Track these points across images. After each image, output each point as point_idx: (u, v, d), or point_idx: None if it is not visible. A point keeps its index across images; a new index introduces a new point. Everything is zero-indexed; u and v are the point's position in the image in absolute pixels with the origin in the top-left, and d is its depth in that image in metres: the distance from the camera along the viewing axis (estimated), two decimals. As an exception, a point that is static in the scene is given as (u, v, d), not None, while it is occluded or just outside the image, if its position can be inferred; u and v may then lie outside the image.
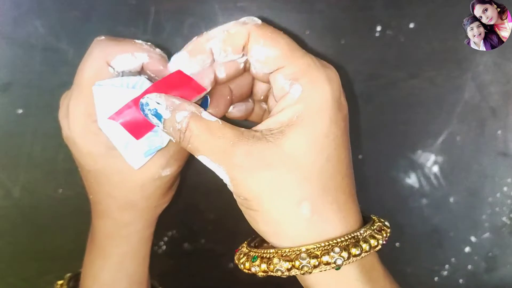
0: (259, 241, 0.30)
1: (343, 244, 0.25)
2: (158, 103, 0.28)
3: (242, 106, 0.33)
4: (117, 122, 0.29)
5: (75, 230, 0.46)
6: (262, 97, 0.33)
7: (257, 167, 0.25)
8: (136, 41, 0.32)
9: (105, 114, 0.29)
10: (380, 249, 0.27)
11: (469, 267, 0.48)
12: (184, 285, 0.49)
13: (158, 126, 0.28)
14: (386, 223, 0.29)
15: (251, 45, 0.27)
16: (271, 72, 0.28)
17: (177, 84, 0.29)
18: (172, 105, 0.27)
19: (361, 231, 0.26)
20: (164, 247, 0.48)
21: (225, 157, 0.26)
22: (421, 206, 0.46)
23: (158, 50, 0.32)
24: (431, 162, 0.45)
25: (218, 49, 0.28)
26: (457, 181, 0.45)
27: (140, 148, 0.30)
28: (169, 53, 0.41)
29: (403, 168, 0.45)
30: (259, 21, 0.27)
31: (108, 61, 0.30)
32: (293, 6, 0.42)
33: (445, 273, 0.48)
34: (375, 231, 0.27)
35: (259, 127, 0.27)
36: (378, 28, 0.42)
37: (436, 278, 0.48)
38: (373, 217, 0.29)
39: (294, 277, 0.27)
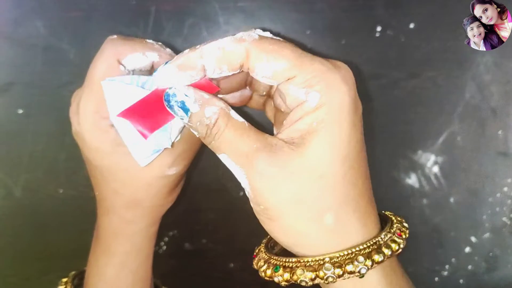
0: (275, 243, 0.30)
1: (366, 252, 0.25)
2: (186, 96, 0.27)
3: (236, 93, 0.32)
4: (126, 120, 0.29)
5: (76, 229, 0.46)
6: (264, 93, 0.32)
7: (280, 176, 0.25)
8: (148, 40, 0.32)
9: (116, 109, 0.30)
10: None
11: (470, 267, 0.48)
12: (184, 285, 0.49)
13: (182, 119, 0.27)
14: (404, 223, 0.28)
15: (254, 64, 0.26)
16: (280, 83, 0.27)
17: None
18: (201, 99, 0.27)
19: (382, 236, 0.26)
20: (165, 247, 0.48)
21: (247, 161, 0.25)
22: (422, 206, 0.46)
23: (168, 50, 0.33)
24: (431, 162, 0.45)
25: (211, 66, 0.26)
26: (458, 181, 0.45)
27: (148, 146, 0.30)
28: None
29: (403, 168, 0.45)
30: (257, 35, 0.26)
31: (120, 60, 0.31)
32: (293, 6, 0.42)
33: (445, 273, 0.48)
34: (395, 234, 0.27)
35: (280, 136, 0.26)
36: (378, 28, 0.42)
37: (436, 278, 0.48)
38: (390, 216, 0.29)
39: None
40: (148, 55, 0.31)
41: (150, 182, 0.34)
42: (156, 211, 0.36)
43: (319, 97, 0.25)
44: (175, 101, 0.27)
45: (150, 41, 0.32)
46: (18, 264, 0.48)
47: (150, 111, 0.29)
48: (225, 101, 0.31)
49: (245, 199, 0.28)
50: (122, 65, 0.31)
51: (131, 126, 0.29)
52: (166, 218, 0.38)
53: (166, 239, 0.47)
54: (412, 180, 0.46)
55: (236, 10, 0.41)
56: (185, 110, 0.27)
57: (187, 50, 0.27)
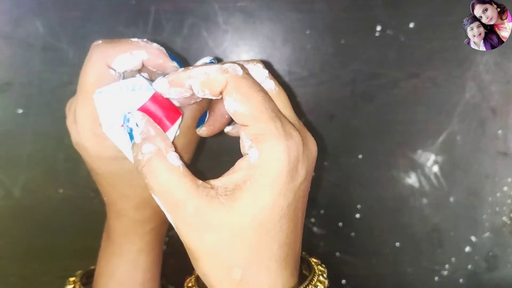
0: None
1: None
2: (136, 125, 0.28)
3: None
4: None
5: (75, 229, 0.46)
6: None
7: (202, 227, 0.26)
8: (132, 39, 0.32)
9: (109, 120, 0.30)
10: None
11: (470, 266, 0.48)
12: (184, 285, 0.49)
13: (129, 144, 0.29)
14: (321, 278, 0.30)
15: (225, 95, 0.27)
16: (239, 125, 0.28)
17: None
18: (146, 133, 0.28)
19: None
20: (165, 247, 0.48)
21: (175, 208, 0.26)
22: (421, 206, 0.46)
23: (155, 44, 0.32)
24: (431, 161, 0.45)
25: (196, 88, 0.28)
26: (457, 181, 0.45)
27: None
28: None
29: (403, 168, 0.45)
30: (240, 72, 0.27)
31: (109, 64, 0.31)
32: (293, 6, 0.41)
33: (445, 272, 0.48)
34: None
35: (217, 182, 0.27)
36: (378, 28, 0.42)
37: (436, 278, 0.48)
38: (315, 269, 0.30)
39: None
40: (136, 54, 0.31)
41: None
42: None
43: (258, 156, 0.26)
44: (127, 126, 0.29)
45: (136, 39, 0.32)
46: (17, 264, 0.48)
47: (152, 118, 0.30)
48: (231, 134, 0.32)
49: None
50: (112, 68, 0.31)
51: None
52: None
53: (167, 238, 0.47)
54: (412, 179, 0.46)
55: (235, 10, 0.41)
56: (131, 137, 0.28)
57: (181, 69, 0.29)
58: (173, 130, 0.31)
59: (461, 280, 0.48)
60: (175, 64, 0.32)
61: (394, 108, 0.44)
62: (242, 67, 0.28)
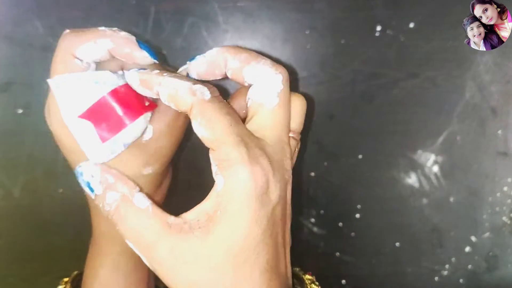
0: None
1: None
2: (92, 176, 0.28)
3: None
4: (88, 121, 0.28)
5: (75, 230, 0.46)
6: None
7: (177, 265, 0.26)
8: (100, 28, 0.30)
9: (68, 110, 0.28)
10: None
11: (470, 266, 0.48)
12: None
13: (92, 197, 0.28)
14: None
15: (191, 119, 0.26)
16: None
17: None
18: (105, 182, 0.27)
19: None
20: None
21: (148, 250, 0.26)
22: (421, 206, 0.46)
23: (123, 33, 0.30)
24: (431, 162, 0.45)
25: (163, 97, 0.27)
26: (457, 181, 0.45)
27: (104, 149, 0.29)
28: (168, 53, 0.41)
29: (403, 168, 0.45)
30: (208, 96, 0.26)
31: (73, 53, 0.29)
32: (293, 6, 0.41)
33: (445, 272, 0.48)
34: None
35: (188, 215, 0.26)
36: (378, 28, 0.42)
37: (436, 278, 0.48)
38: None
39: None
40: (100, 43, 0.29)
41: None
42: None
43: (223, 183, 0.25)
44: (82, 180, 0.28)
45: (103, 28, 0.30)
46: (16, 265, 0.48)
47: (110, 112, 0.29)
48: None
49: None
50: (78, 58, 0.29)
51: (90, 127, 0.28)
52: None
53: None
54: (412, 179, 0.46)
55: (235, 9, 0.41)
56: (91, 190, 0.28)
57: (156, 71, 0.28)
58: (134, 129, 0.30)
59: (461, 280, 0.48)
60: (145, 54, 0.30)
61: (394, 108, 0.44)
62: (212, 89, 0.27)
